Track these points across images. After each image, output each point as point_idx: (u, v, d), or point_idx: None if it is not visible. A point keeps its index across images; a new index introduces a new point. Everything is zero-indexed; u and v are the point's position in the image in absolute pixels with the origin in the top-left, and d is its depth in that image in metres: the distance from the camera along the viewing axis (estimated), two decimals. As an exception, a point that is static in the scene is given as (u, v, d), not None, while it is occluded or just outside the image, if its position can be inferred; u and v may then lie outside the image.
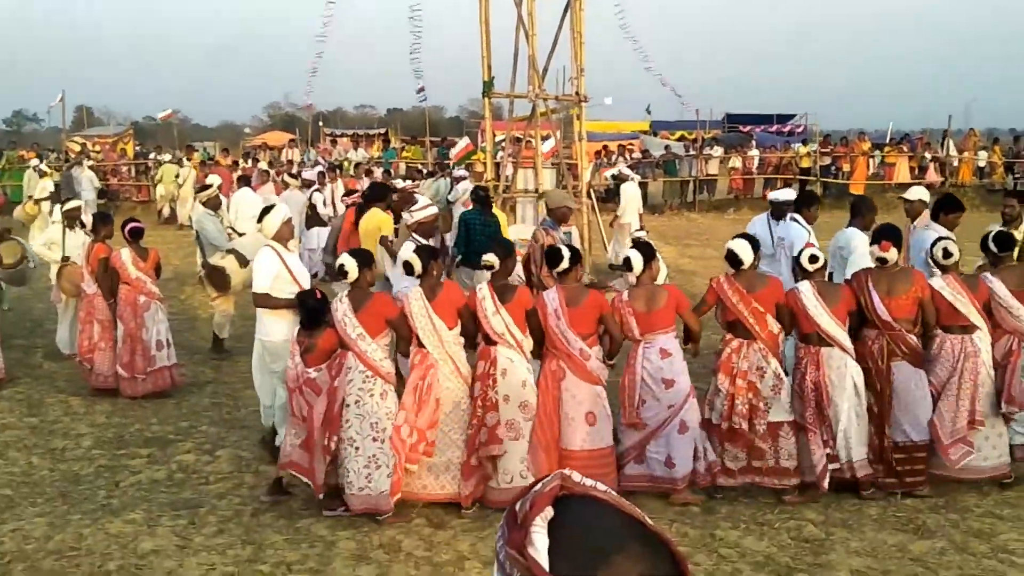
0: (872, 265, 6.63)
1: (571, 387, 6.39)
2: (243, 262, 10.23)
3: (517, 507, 1.17)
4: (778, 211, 8.75)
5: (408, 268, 6.46)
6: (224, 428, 8.32)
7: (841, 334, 6.43)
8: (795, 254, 6.90)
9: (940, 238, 6.98)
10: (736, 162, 28.80)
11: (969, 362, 6.47)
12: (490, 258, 6.53)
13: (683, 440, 6.37)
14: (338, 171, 21.23)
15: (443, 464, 6.36)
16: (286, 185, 17.72)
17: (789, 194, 9.33)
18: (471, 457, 6.30)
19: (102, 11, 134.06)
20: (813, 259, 6.60)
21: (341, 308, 6.29)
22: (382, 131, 39.51)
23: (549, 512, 1.13)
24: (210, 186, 11.51)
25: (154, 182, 26.17)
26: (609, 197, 20.67)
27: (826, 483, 6.34)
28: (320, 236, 15.49)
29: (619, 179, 17.54)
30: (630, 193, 16.05)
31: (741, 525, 6.06)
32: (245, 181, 15.84)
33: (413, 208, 8.06)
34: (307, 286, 7.10)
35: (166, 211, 24.68)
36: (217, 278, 10.14)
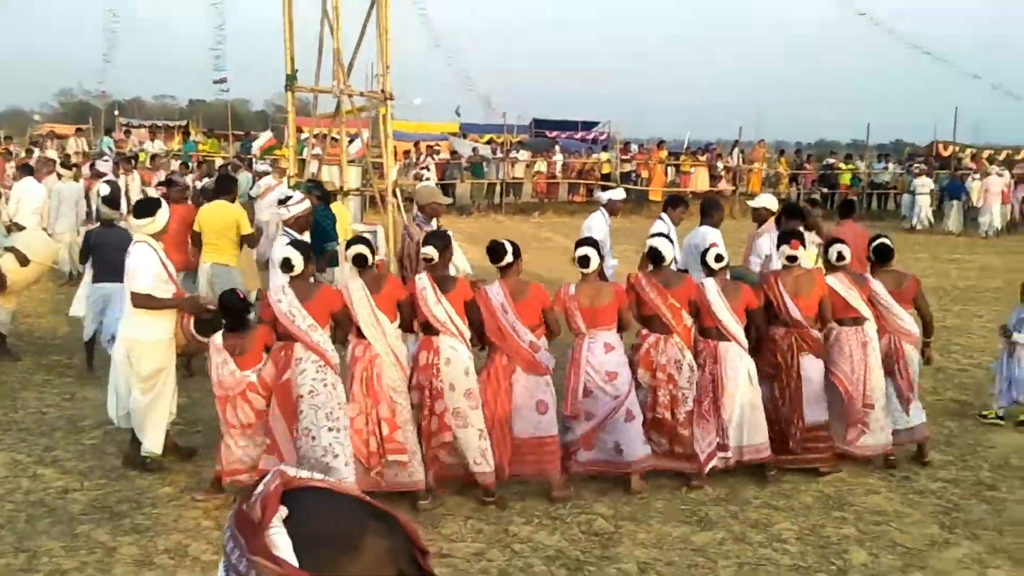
0: (717, 265, 6.96)
1: (522, 379, 6.50)
2: (23, 261, 9.60)
3: (247, 512, 1.12)
4: (611, 209, 9.24)
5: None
6: (0, 430, 7.79)
7: (739, 330, 6.81)
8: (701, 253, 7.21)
9: (836, 240, 7.47)
10: (541, 166, 29.37)
11: (864, 351, 7.05)
12: (429, 251, 6.54)
13: (630, 428, 6.62)
14: (134, 163, 20.31)
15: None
16: (59, 176, 16.63)
17: (620, 193, 9.80)
18: (429, 449, 6.35)
19: None
20: (719, 258, 6.93)
21: (286, 300, 6.11)
22: (183, 123, 38.10)
23: (283, 511, 1.10)
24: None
25: None
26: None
27: (708, 468, 6.68)
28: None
29: (417, 179, 17.55)
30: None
31: (534, 520, 6.15)
32: (28, 170, 14.89)
33: (289, 202, 7.83)
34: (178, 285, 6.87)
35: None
36: (-7, 277, 9.48)
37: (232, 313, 6.34)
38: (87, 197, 15.53)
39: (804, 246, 7.24)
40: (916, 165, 28.81)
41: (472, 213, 27.07)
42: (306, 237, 7.71)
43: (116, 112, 38.42)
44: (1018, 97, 34.61)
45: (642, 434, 6.68)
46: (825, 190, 29.28)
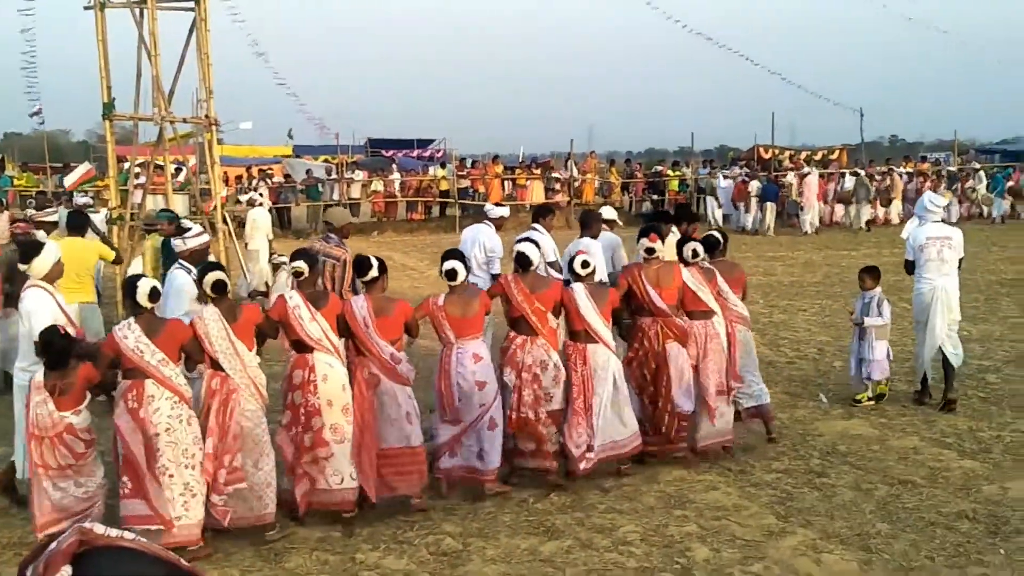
0: (584, 271, 7.21)
1: (388, 390, 6.54)
2: None
3: (29, 571, 1.05)
4: (497, 223, 9.62)
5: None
6: None
7: (606, 332, 7.08)
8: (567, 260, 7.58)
9: (688, 239, 7.97)
10: (378, 185, 29.21)
11: (713, 343, 7.46)
12: (299, 265, 6.50)
13: (493, 435, 6.80)
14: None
15: (249, 488, 6.08)
16: None
17: (502, 210, 10.03)
18: (299, 465, 6.29)
19: None
20: (585, 264, 7.22)
21: (132, 336, 5.85)
22: (-3, 157, 36.12)
23: (67, 571, 1.03)
24: None
25: None
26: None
27: (583, 466, 6.88)
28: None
29: (251, 204, 17.17)
30: (255, 219, 15.67)
31: (381, 545, 6.05)
32: None
33: (186, 235, 7.57)
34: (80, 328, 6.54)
35: None
36: None
37: (53, 351, 5.92)
38: None
39: (662, 240, 7.67)
40: (738, 168, 30.08)
41: (309, 235, 26.63)
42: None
43: (-80, 148, 36.18)
44: (825, 98, 36.62)
45: (501, 442, 6.85)
46: (655, 197, 30.21)
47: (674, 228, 9.23)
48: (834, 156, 35.73)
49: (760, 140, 34.13)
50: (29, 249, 6.74)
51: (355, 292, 7.08)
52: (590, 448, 6.92)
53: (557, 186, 29.68)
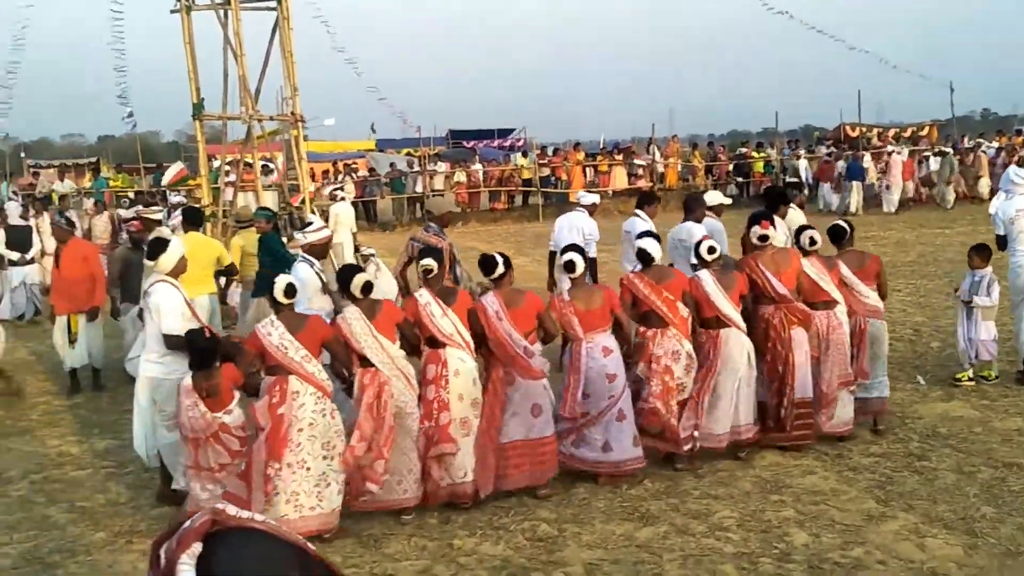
0: (711, 256, 7.23)
1: (521, 386, 6.60)
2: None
3: (163, 548, 1.09)
4: (590, 209, 9.81)
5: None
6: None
7: (737, 316, 7.09)
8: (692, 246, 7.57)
9: (806, 227, 7.84)
10: (461, 177, 29.38)
11: (835, 334, 7.36)
12: (428, 263, 6.65)
13: (621, 427, 6.77)
14: (45, 204, 19.86)
15: (395, 475, 6.30)
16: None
17: (594, 197, 10.27)
18: (426, 458, 6.38)
19: None
20: (711, 250, 7.20)
21: (276, 332, 6.04)
22: (92, 160, 37.28)
23: (197, 548, 1.07)
24: None
25: None
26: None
27: (685, 448, 6.94)
28: (24, 273, 14.38)
29: (332, 199, 17.39)
30: (337, 213, 15.82)
31: (478, 532, 6.12)
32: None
33: (307, 230, 7.78)
34: (206, 322, 6.75)
35: None
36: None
37: (198, 351, 6.11)
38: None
39: (774, 226, 7.51)
40: (825, 148, 29.51)
41: (395, 228, 26.95)
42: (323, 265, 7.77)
43: (23, 154, 37.50)
44: (913, 73, 35.65)
45: (632, 436, 6.81)
46: (740, 179, 29.81)
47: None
48: (924, 132, 34.73)
49: (846, 118, 33.33)
50: (156, 245, 6.92)
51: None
52: (696, 429, 6.97)
53: (640, 171, 29.49)
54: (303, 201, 14.44)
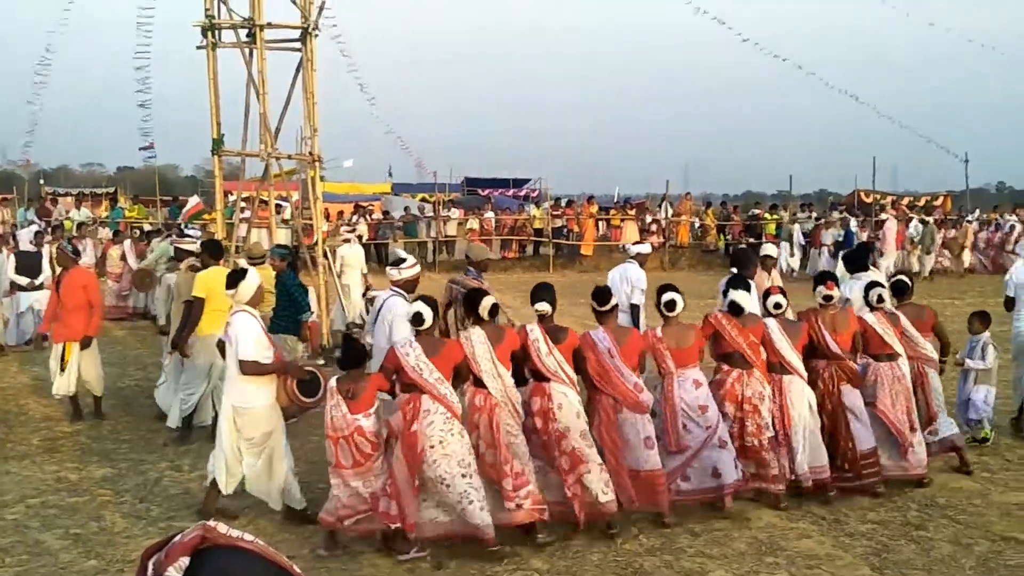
0: (777, 311, 7.72)
1: (628, 417, 6.94)
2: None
3: (152, 560, 1.13)
4: (640, 260, 10.33)
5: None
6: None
7: (800, 364, 7.52)
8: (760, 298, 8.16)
9: (875, 283, 8.34)
10: (474, 224, 29.53)
11: (900, 384, 7.84)
12: (542, 307, 7.00)
13: (724, 453, 7.11)
14: (60, 231, 20.02)
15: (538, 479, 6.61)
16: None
17: (643, 247, 10.85)
18: (567, 487, 6.62)
19: None
20: (777, 305, 7.72)
21: (413, 354, 6.39)
22: (110, 190, 37.61)
23: (184, 562, 1.10)
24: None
25: None
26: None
27: (781, 487, 7.31)
28: (32, 299, 14.46)
29: (346, 241, 17.43)
30: (343, 255, 15.81)
31: (469, 580, 6.09)
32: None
33: (402, 265, 8.00)
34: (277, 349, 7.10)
35: None
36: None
37: (350, 354, 6.52)
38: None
39: (838, 287, 7.99)
40: (838, 213, 29.60)
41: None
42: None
43: (42, 181, 37.85)
44: (930, 141, 35.81)
45: (734, 459, 7.13)
46: (752, 240, 29.88)
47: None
48: (938, 202, 34.84)
49: (861, 184, 33.44)
50: (235, 275, 7.12)
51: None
52: (791, 471, 7.35)
53: (652, 227, 29.60)
54: (316, 243, 14.51)
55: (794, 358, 7.50)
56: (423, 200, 34.20)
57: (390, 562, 6.37)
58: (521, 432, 6.65)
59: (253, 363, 6.79)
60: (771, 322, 7.58)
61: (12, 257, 14.89)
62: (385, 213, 29.95)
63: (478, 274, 8.78)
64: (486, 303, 6.75)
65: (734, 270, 9.21)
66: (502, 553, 6.30)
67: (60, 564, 6.39)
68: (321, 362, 12.12)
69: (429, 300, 6.68)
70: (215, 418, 9.30)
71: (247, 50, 13.48)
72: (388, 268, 8.30)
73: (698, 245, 30.30)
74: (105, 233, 24.26)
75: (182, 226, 19.39)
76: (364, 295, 14.80)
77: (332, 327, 14.34)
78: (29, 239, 15.32)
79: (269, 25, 13.48)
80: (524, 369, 6.91)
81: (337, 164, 31.52)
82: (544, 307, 7.01)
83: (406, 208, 30.05)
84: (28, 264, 14.65)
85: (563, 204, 31.61)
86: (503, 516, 6.40)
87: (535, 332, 6.86)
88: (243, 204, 16.89)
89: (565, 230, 29.47)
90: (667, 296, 7.39)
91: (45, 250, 15.67)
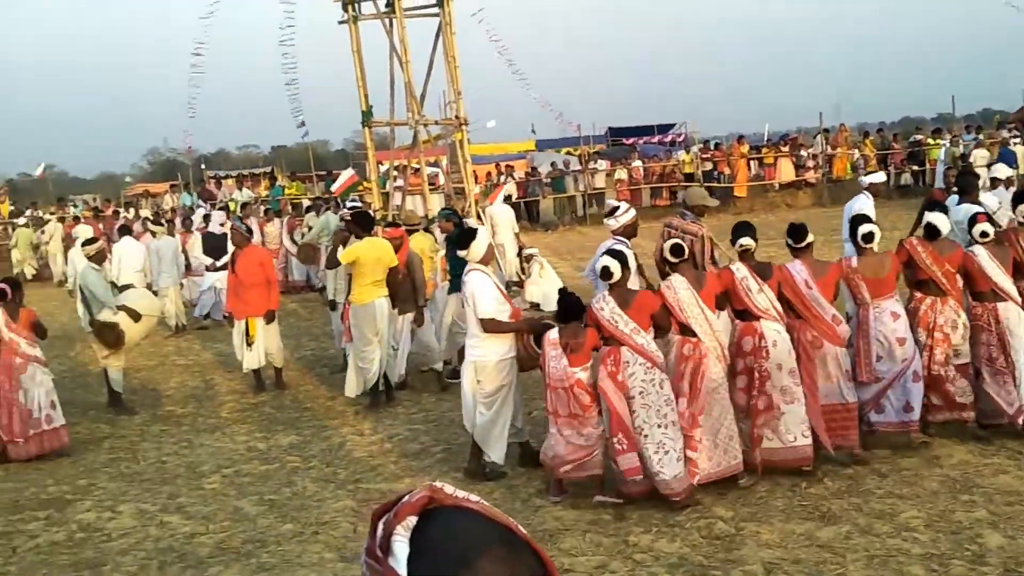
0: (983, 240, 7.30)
1: (829, 350, 6.90)
2: (135, 317, 10.01)
3: (382, 520, 1.16)
4: (874, 191, 10.04)
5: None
6: (124, 483, 8.03)
7: (1013, 290, 7.20)
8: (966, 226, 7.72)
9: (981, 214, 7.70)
10: (622, 174, 29.26)
11: None
12: (747, 241, 6.94)
13: (917, 387, 6.99)
14: (226, 212, 20.95)
15: (712, 443, 6.58)
16: (153, 234, 17.11)
17: (881, 176, 10.78)
18: (755, 428, 6.63)
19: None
20: (984, 234, 7.29)
21: (607, 308, 6.47)
22: (268, 169, 38.97)
23: (411, 521, 1.13)
24: (96, 240, 11.03)
25: (10, 246, 25.59)
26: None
27: (1021, 420, 6.99)
28: (215, 278, 15.12)
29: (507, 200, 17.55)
30: (492, 215, 15.87)
31: (653, 529, 6.08)
32: (126, 231, 15.45)
33: (616, 213, 8.13)
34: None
35: (28, 272, 24.01)
36: (109, 335, 9.86)
37: (569, 307, 6.65)
38: (184, 251, 16.08)
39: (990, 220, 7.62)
40: (1007, 132, 27.92)
41: (557, 228, 27.10)
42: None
43: (203, 166, 39.55)
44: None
45: (922, 394, 7.00)
46: (915, 168, 28.57)
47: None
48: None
49: (1030, 99, 31.44)
50: (467, 235, 7.40)
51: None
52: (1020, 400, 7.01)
53: (808, 163, 28.66)
54: (469, 205, 14.70)
55: (1007, 283, 7.16)
56: (568, 154, 34.09)
57: (574, 514, 6.44)
58: (725, 381, 6.63)
59: (492, 320, 7.02)
60: (978, 249, 7.22)
61: (199, 239, 15.68)
62: (532, 170, 30.00)
63: (695, 217, 8.58)
64: (667, 245, 6.79)
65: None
66: (686, 501, 6.28)
67: (259, 529, 6.71)
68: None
69: (616, 253, 6.65)
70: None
71: (387, 20, 13.67)
72: (604, 219, 8.42)
73: (857, 177, 29.18)
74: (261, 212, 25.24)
75: (338, 199, 20.00)
76: (519, 254, 14.90)
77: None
78: (220, 221, 16.09)
79: (407, -7, 13.63)
80: (727, 310, 6.94)
81: (481, 125, 31.71)
82: (748, 242, 6.95)
83: (552, 164, 29.99)
84: (215, 245, 15.40)
85: (712, 147, 30.94)
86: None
87: (742, 271, 6.81)
88: (395, 173, 17.23)
89: (716, 173, 28.86)
90: (865, 228, 7.20)
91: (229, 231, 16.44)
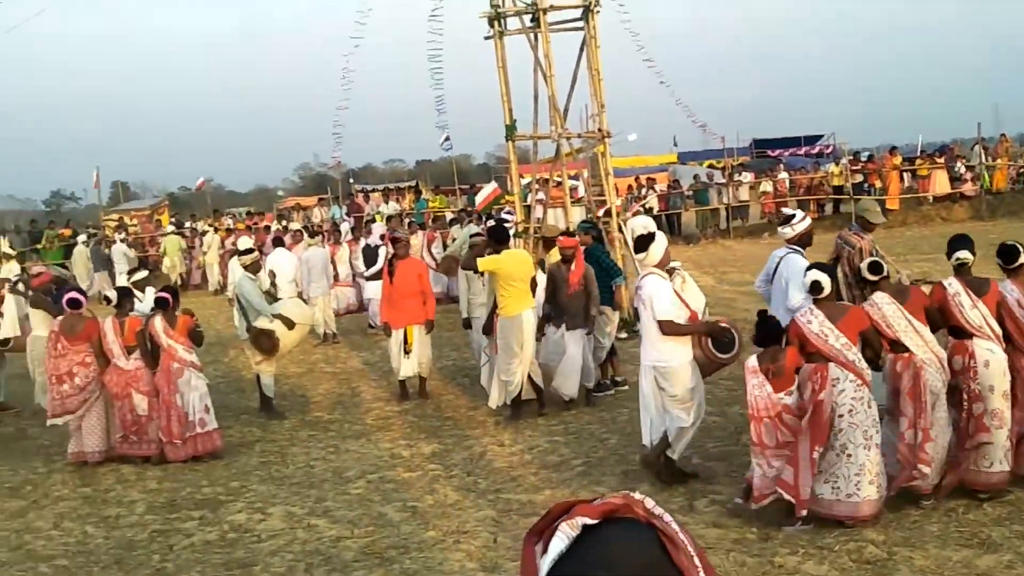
0: None
1: None
2: (290, 325, 10.40)
3: (556, 509, 1.13)
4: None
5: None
6: (274, 486, 8.31)
7: None
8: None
9: None
10: (767, 186, 28.65)
11: None
12: (963, 254, 6.69)
13: None
14: (372, 225, 21.45)
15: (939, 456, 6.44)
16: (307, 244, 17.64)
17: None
18: (960, 452, 6.44)
19: (133, 87, 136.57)
20: None
21: (816, 321, 6.31)
22: (412, 183, 39.78)
23: (581, 520, 1.09)
24: (252, 250, 11.48)
25: (160, 254, 26.73)
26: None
27: None
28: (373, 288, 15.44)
29: (637, 214, 17.43)
30: (633, 227, 15.67)
31: (800, 550, 5.91)
32: (279, 242, 16.02)
33: (792, 221, 8.16)
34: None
35: (175, 279, 25.02)
36: (265, 342, 10.27)
37: (767, 332, 6.53)
38: (333, 262, 16.55)
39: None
40: None
41: (699, 241, 26.73)
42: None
43: (351, 180, 40.66)
44: None
45: None
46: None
47: None
48: None
49: None
50: (645, 239, 7.34)
51: None
52: None
53: (964, 175, 27.41)
54: (608, 214, 14.62)
55: None
56: (711, 167, 33.58)
57: (716, 533, 6.32)
58: (944, 395, 6.37)
59: (670, 322, 6.99)
60: None
61: (347, 249, 16.22)
62: (674, 182, 29.68)
63: (860, 228, 8.46)
64: (863, 265, 6.72)
65: None
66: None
67: (402, 535, 6.84)
68: (624, 335, 12.23)
69: (826, 267, 6.52)
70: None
71: (532, 35, 13.76)
72: (779, 228, 8.31)
73: (1019, 190, 27.71)
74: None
75: (481, 214, 20.23)
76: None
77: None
78: (380, 232, 16.54)
79: (552, 8, 13.69)
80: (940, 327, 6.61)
81: (622, 138, 31.56)
82: (966, 255, 6.65)
83: (695, 176, 29.61)
84: (372, 257, 15.84)
85: (863, 158, 29.96)
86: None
87: (954, 286, 6.54)
88: (536, 186, 17.29)
89: (866, 185, 27.91)
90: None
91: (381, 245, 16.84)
